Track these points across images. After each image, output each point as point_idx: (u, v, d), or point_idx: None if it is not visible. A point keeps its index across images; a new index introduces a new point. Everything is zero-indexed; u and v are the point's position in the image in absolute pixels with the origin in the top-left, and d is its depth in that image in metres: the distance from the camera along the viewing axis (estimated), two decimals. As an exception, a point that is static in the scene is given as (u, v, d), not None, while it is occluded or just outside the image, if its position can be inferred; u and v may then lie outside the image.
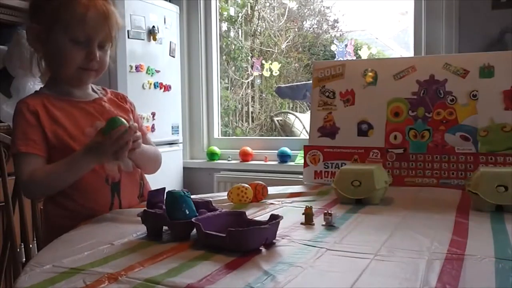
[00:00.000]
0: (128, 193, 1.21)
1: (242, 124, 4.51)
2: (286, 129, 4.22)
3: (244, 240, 0.77)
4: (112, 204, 1.17)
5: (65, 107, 1.17)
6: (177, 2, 3.02)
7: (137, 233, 0.92)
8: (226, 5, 4.19)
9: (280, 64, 3.96)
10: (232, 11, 4.39)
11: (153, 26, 2.69)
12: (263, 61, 3.68)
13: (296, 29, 4.92)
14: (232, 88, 4.41)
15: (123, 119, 1.06)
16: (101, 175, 1.16)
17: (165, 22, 2.81)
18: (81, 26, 1.11)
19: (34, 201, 1.40)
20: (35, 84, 2.13)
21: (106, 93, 1.29)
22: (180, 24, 3.01)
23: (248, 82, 4.50)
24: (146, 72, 2.67)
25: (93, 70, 1.18)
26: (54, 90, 1.20)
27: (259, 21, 4.68)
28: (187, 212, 0.87)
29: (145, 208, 0.93)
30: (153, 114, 2.72)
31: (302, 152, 1.64)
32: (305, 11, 5.13)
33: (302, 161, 1.56)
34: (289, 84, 3.74)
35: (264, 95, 4.67)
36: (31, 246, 1.39)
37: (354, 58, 3.15)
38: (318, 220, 0.98)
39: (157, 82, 2.75)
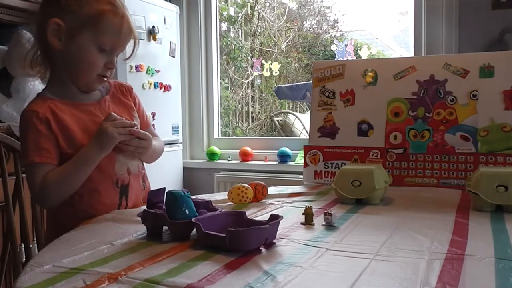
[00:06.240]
0: (134, 195, 1.22)
1: (242, 124, 4.52)
2: (286, 129, 4.23)
3: (244, 240, 0.77)
4: (119, 206, 1.17)
5: (73, 112, 1.15)
6: (177, 2, 3.02)
7: (137, 233, 0.92)
8: (226, 5, 4.19)
9: (280, 64, 3.96)
10: (232, 11, 4.39)
11: (153, 26, 2.69)
12: (263, 61, 3.68)
13: (296, 29, 4.93)
14: (232, 88, 4.41)
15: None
16: (111, 178, 1.16)
17: (165, 22, 2.81)
18: (115, 37, 1.13)
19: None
20: (35, 84, 2.13)
21: (110, 87, 1.26)
22: (180, 24, 3.01)
23: (248, 82, 4.50)
24: (146, 72, 2.67)
25: (107, 77, 1.19)
26: (58, 93, 1.17)
27: (259, 21, 4.68)
28: (187, 212, 0.87)
29: (145, 208, 0.93)
30: (153, 114, 2.71)
31: (302, 152, 1.64)
32: (305, 11, 5.14)
33: (302, 161, 1.56)
34: (289, 84, 3.74)
35: (264, 95, 4.67)
36: (31, 246, 1.39)
37: (354, 58, 3.15)
38: (318, 220, 0.98)
39: (157, 82, 2.75)
